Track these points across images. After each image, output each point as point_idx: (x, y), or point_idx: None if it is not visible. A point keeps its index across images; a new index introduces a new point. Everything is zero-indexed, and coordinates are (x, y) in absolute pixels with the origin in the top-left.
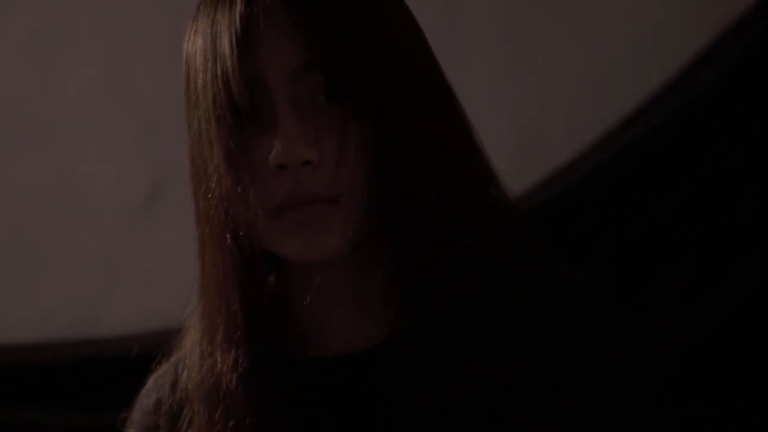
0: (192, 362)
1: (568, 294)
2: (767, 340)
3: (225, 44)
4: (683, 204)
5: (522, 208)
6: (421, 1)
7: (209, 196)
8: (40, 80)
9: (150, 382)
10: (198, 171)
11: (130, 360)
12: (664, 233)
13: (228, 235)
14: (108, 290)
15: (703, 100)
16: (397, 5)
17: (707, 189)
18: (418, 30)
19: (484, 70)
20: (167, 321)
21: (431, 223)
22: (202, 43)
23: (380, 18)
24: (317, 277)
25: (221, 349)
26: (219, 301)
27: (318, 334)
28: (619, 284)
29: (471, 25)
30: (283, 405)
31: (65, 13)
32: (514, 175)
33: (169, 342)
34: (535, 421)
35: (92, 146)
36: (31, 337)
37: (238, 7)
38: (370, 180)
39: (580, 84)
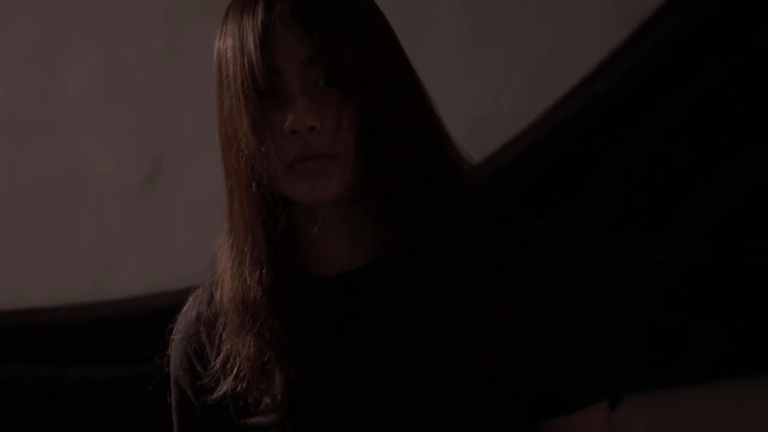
0: (225, 282)
1: (513, 223)
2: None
3: (250, 42)
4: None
5: (480, 173)
6: None
7: (239, 155)
8: (45, 79)
9: (190, 300)
10: (229, 138)
11: (132, 320)
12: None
13: (253, 184)
14: (112, 262)
15: (629, 78)
16: (376, 13)
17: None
18: (391, 29)
19: (447, 54)
20: (164, 286)
21: (405, 173)
22: (231, 42)
23: (364, 23)
24: (320, 214)
25: (249, 269)
26: (246, 234)
27: (319, 259)
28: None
29: (434, 14)
30: (295, 311)
31: (67, 18)
32: (472, 147)
33: (167, 303)
34: (487, 315)
35: (95, 137)
36: (47, 302)
37: (260, 15)
38: (359, 142)
39: (533, 68)
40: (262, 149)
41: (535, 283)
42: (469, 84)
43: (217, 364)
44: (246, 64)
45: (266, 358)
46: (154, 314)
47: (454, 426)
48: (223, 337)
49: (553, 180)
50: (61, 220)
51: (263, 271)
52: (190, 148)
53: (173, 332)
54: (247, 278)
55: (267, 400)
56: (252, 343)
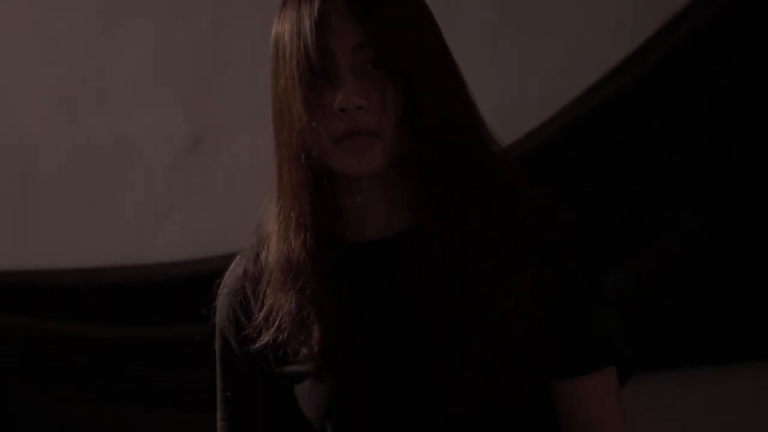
0: (271, 243)
1: (534, 202)
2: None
3: (307, 27)
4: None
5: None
6: None
7: (291, 129)
8: (103, 54)
9: (237, 258)
10: (282, 113)
11: (174, 282)
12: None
13: (303, 156)
14: (156, 224)
15: (646, 79)
16: (421, 5)
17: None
18: (434, 21)
19: (475, 42)
20: (203, 251)
21: (440, 151)
22: (289, 27)
23: (411, 12)
24: (363, 185)
25: (294, 233)
26: (293, 201)
27: (358, 226)
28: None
29: (465, 3)
30: (334, 272)
31: None
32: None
33: (207, 266)
34: (507, 284)
35: (143, 110)
36: (93, 262)
37: (317, 3)
38: (401, 121)
39: (553, 66)
40: (313, 125)
41: (551, 259)
42: (495, 73)
43: (261, 317)
44: (302, 46)
45: (306, 313)
46: (192, 278)
47: (475, 374)
48: (267, 293)
49: (574, 170)
50: (109, 186)
51: (307, 235)
52: (229, 125)
53: (221, 287)
54: (292, 241)
55: (305, 350)
56: (294, 299)
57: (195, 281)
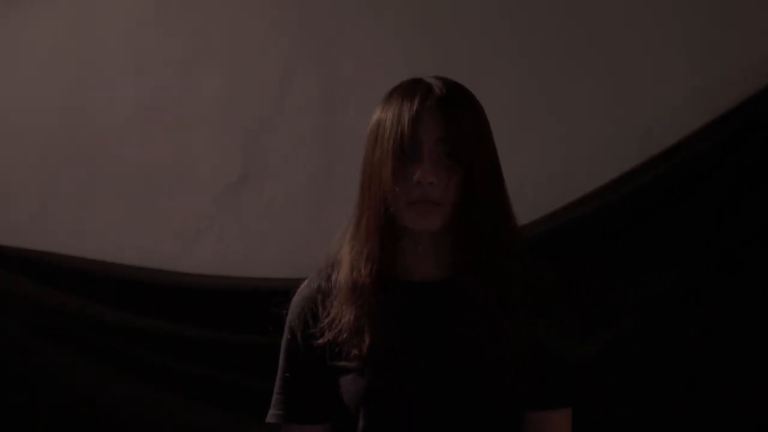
0: (342, 268)
1: (538, 271)
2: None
3: (405, 119)
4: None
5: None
6: (456, 70)
7: (379, 188)
8: (179, 87)
9: (313, 274)
10: (372, 175)
11: (205, 293)
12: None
13: (382, 209)
14: (196, 239)
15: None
16: (485, 119)
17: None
18: (491, 131)
19: (513, 122)
20: (232, 270)
21: (480, 223)
22: (391, 115)
23: (478, 124)
24: (423, 239)
25: (364, 264)
26: (367, 240)
27: (412, 269)
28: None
29: (501, 81)
30: (388, 298)
31: (206, 42)
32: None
33: (233, 287)
34: (513, 328)
35: (207, 138)
36: (136, 260)
37: (416, 104)
38: (458, 198)
39: (552, 171)
40: (396, 189)
41: (542, 314)
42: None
43: (326, 321)
44: (399, 131)
45: (361, 324)
46: (222, 292)
47: (479, 391)
48: (334, 304)
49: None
50: (164, 199)
51: (373, 267)
52: (275, 166)
53: (296, 294)
54: (362, 269)
55: (355, 351)
56: (354, 312)
57: (225, 294)
